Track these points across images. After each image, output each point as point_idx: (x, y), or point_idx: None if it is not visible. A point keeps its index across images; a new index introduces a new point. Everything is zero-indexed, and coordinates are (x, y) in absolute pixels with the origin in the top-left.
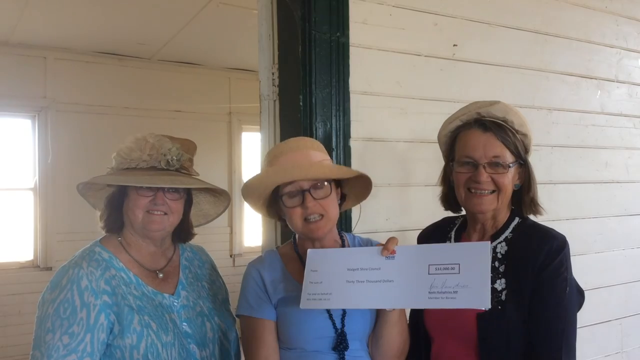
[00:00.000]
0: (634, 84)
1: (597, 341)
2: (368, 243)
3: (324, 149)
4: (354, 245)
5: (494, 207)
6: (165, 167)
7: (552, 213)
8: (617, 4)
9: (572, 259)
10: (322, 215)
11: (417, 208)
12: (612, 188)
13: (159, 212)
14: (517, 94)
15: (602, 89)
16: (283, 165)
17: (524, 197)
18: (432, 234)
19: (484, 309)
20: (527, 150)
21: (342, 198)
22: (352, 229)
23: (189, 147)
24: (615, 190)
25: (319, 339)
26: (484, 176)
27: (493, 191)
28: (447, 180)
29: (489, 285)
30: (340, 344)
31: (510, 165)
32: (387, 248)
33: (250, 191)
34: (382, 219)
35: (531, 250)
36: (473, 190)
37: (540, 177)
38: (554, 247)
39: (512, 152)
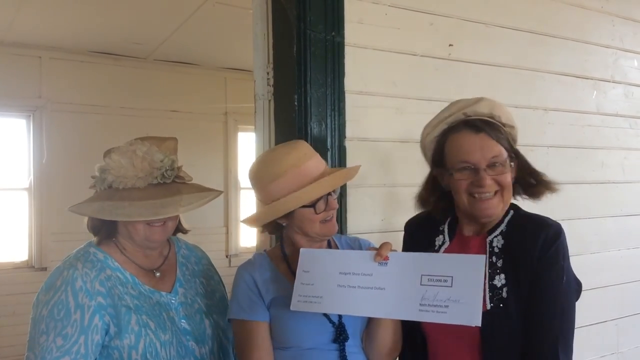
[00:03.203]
0: (630, 84)
1: (592, 342)
2: (355, 241)
3: None
4: (341, 244)
5: (500, 208)
6: (161, 182)
7: (548, 213)
8: (613, 5)
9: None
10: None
11: (413, 208)
12: (608, 188)
13: (159, 224)
14: (513, 94)
15: (598, 89)
16: (309, 174)
17: (526, 180)
18: (422, 225)
19: (473, 325)
20: (515, 142)
21: None
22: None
23: (174, 147)
24: (612, 191)
25: (317, 335)
26: (487, 180)
27: (496, 192)
28: (436, 187)
29: (481, 302)
30: (340, 335)
31: (507, 161)
32: (380, 254)
33: (277, 214)
34: (378, 219)
35: (527, 241)
36: (477, 195)
37: None
38: (549, 235)
39: (505, 148)
